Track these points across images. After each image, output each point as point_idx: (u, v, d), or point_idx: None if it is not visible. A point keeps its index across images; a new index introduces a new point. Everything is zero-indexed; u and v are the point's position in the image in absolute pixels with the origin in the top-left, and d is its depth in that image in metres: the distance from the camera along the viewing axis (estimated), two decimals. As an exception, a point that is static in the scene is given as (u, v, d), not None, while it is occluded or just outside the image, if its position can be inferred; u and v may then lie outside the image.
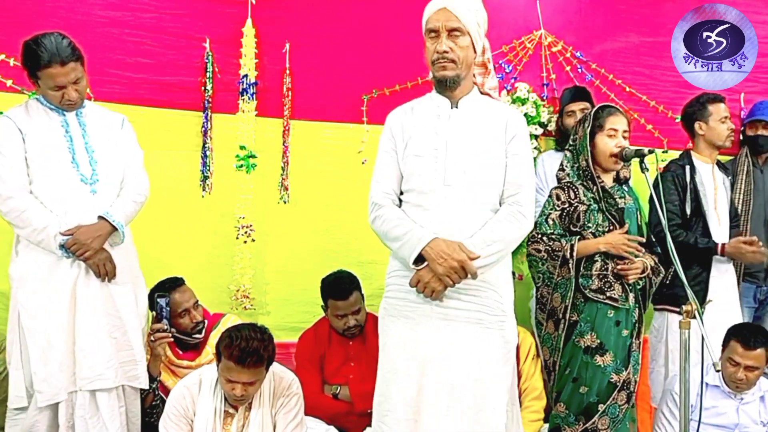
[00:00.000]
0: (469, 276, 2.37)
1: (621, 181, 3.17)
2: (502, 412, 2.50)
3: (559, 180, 3.18)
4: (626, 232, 3.05)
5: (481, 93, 2.62)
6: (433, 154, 2.48)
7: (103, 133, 2.97)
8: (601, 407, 3.01)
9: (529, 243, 3.06)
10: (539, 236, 3.03)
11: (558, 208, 3.07)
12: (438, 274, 2.36)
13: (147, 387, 3.02)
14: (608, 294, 3.00)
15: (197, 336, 3.27)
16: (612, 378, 3.01)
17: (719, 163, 3.86)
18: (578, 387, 3.02)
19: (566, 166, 3.17)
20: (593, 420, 3.01)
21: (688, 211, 3.63)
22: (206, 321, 3.33)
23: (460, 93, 2.54)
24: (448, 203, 2.45)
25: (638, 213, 3.15)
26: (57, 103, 2.85)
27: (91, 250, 2.80)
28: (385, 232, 2.50)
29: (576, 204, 3.06)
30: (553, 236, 3.03)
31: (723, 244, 3.57)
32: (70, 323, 2.82)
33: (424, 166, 2.49)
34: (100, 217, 2.86)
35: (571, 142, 3.21)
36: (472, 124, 2.53)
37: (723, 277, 3.66)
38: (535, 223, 3.10)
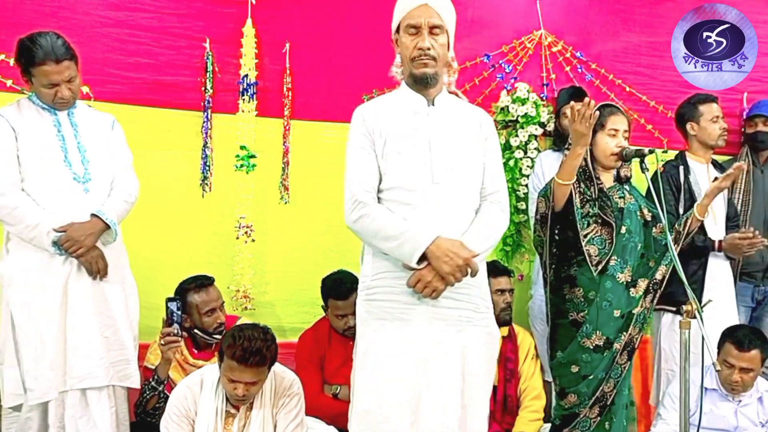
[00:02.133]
0: (469, 274, 2.38)
1: (622, 180, 3.16)
2: (486, 410, 2.51)
3: None
4: (626, 232, 3.05)
5: (449, 92, 2.63)
6: (415, 151, 2.46)
7: (95, 133, 2.99)
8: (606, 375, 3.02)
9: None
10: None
11: None
12: (443, 273, 2.35)
13: (138, 387, 3.01)
14: (574, 269, 3.03)
15: (217, 337, 3.25)
16: (614, 351, 3.01)
17: (715, 163, 3.86)
18: (594, 379, 3.00)
19: None
20: (600, 388, 3.01)
21: (681, 211, 3.62)
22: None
23: (435, 91, 2.54)
24: (436, 201, 2.44)
25: (641, 210, 3.15)
26: (49, 102, 2.87)
27: (84, 247, 2.80)
28: (375, 230, 2.40)
29: (576, 190, 3.05)
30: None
31: (720, 241, 3.57)
32: (62, 321, 2.81)
33: (411, 164, 2.45)
34: (93, 215, 2.86)
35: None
36: (450, 123, 2.54)
37: (719, 276, 3.65)
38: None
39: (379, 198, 2.49)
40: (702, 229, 3.62)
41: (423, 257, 2.37)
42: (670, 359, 3.64)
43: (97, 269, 2.86)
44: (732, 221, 3.80)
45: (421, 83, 2.50)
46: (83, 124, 2.97)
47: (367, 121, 2.50)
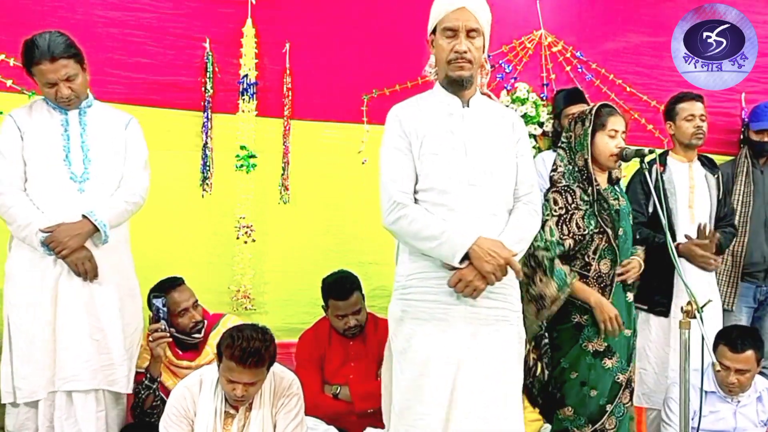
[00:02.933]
0: (508, 273, 2.42)
1: (613, 181, 3.15)
2: (521, 409, 2.55)
3: (552, 181, 3.12)
4: (623, 233, 3.04)
5: (481, 93, 2.64)
6: (452, 153, 2.48)
7: (105, 132, 2.98)
8: (609, 408, 3.00)
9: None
10: (534, 264, 2.96)
11: (555, 214, 3.01)
12: (484, 272, 2.38)
13: (127, 391, 2.97)
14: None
15: (196, 336, 3.27)
16: (618, 378, 3.00)
17: (703, 160, 3.85)
18: (588, 390, 2.99)
19: (560, 165, 3.11)
20: (601, 421, 3.00)
21: (650, 210, 3.62)
22: (206, 321, 3.33)
23: (470, 93, 2.56)
24: (473, 203, 2.46)
25: (630, 212, 3.16)
26: (53, 100, 2.88)
27: (68, 248, 2.77)
28: (415, 231, 2.42)
29: (573, 211, 3.01)
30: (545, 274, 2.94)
31: (678, 244, 3.54)
32: (52, 322, 2.81)
33: (447, 166, 2.47)
34: (84, 216, 2.84)
35: (564, 140, 3.16)
36: (484, 125, 2.56)
37: (695, 279, 3.57)
38: None
39: (415, 199, 2.51)
40: (671, 229, 3.57)
41: (464, 257, 2.39)
42: (644, 358, 3.65)
43: (84, 271, 2.83)
44: (723, 221, 3.78)
45: (457, 86, 2.52)
46: (94, 123, 2.96)
47: (404, 122, 2.52)
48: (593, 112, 3.07)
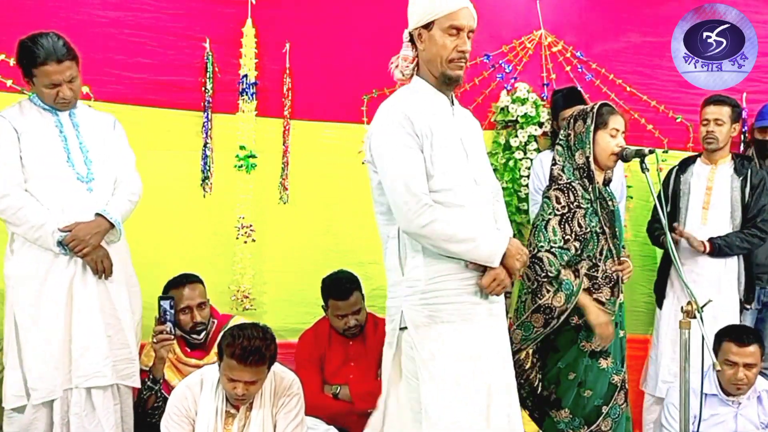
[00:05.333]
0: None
1: (605, 182, 3.15)
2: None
3: (553, 177, 3.10)
4: (614, 235, 3.03)
5: None
6: (456, 153, 2.47)
7: (96, 133, 3.02)
8: (605, 409, 3.00)
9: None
10: (539, 270, 2.94)
11: (558, 213, 2.98)
12: (514, 270, 2.45)
13: (140, 386, 3.04)
14: (595, 296, 2.97)
15: (196, 336, 3.27)
16: (613, 380, 3.01)
17: (736, 159, 3.86)
18: (583, 391, 3.00)
19: (559, 161, 3.11)
20: (597, 423, 2.99)
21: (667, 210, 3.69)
22: (215, 321, 3.34)
23: (452, 92, 2.56)
24: (478, 201, 2.50)
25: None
26: (51, 102, 2.89)
27: (89, 246, 2.83)
28: (450, 234, 2.34)
29: (575, 209, 3.00)
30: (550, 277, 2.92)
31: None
32: (67, 321, 2.83)
33: (457, 165, 2.46)
34: (98, 215, 2.88)
35: (562, 138, 3.15)
36: (468, 123, 2.60)
37: (701, 279, 3.66)
38: (535, 228, 3.06)
39: None
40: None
41: None
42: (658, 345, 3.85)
43: (102, 268, 2.89)
44: (749, 223, 3.77)
45: (453, 84, 2.49)
46: (85, 124, 2.99)
47: (414, 120, 2.40)
48: (594, 110, 3.06)
